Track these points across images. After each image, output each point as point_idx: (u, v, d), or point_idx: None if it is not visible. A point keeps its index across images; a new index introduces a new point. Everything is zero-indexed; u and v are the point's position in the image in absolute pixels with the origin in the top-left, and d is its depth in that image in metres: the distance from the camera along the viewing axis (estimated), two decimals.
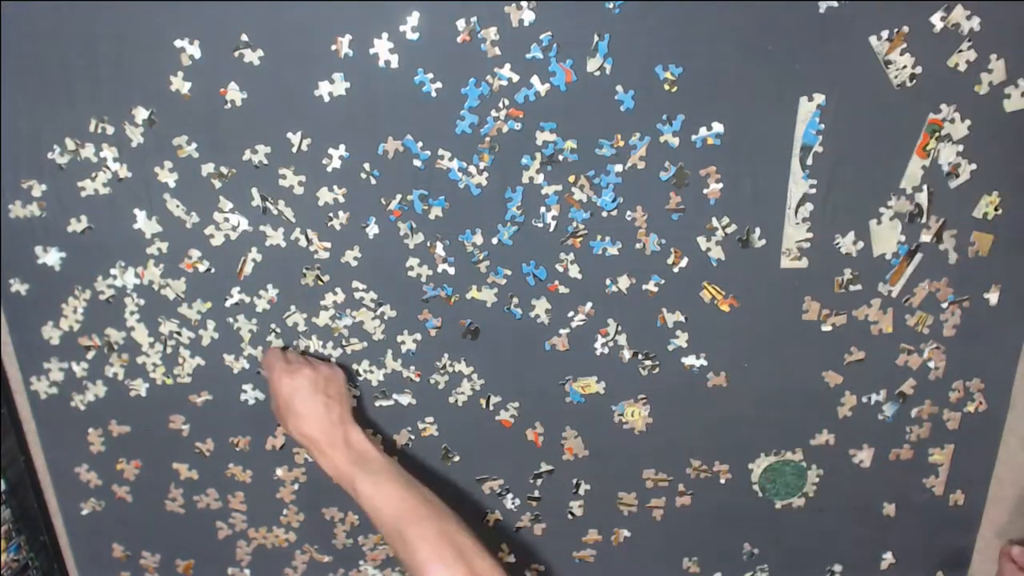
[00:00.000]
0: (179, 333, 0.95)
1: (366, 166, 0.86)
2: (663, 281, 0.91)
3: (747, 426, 0.99)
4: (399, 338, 0.95)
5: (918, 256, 0.90)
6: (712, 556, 1.08)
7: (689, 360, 0.95)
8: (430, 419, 1.00)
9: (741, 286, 0.91)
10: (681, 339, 0.94)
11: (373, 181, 0.86)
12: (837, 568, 1.08)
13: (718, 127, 0.83)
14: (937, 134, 0.84)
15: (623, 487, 1.03)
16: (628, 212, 0.88)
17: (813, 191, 0.87)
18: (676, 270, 0.90)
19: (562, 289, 0.92)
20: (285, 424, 0.86)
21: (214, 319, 0.94)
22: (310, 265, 0.91)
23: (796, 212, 0.88)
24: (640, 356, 0.95)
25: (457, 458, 1.02)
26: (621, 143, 0.84)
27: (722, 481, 1.02)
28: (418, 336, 0.95)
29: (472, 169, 0.86)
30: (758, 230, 0.88)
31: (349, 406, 0.88)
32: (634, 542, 1.07)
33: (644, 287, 0.91)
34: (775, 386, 0.96)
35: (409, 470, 0.99)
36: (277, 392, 0.86)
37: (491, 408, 0.99)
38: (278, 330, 0.95)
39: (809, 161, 0.86)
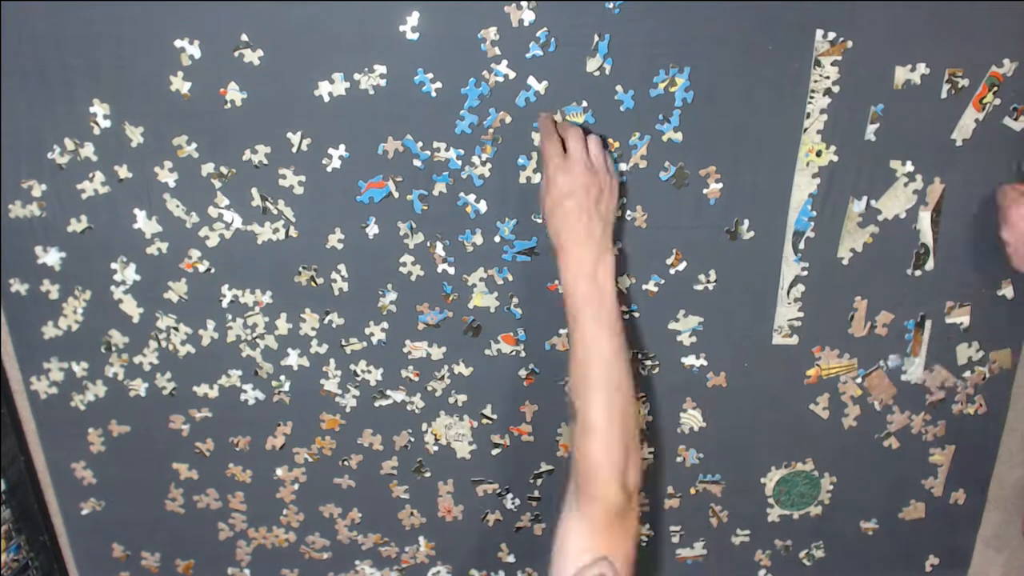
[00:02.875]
0: (177, 331, 0.95)
1: (409, 197, 0.87)
2: (663, 281, 0.91)
3: (756, 436, 0.99)
4: (398, 338, 0.95)
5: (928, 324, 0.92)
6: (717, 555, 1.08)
7: (689, 360, 0.95)
8: (430, 418, 1.00)
9: (741, 285, 0.91)
10: (681, 339, 0.94)
11: (419, 210, 0.88)
12: (837, 568, 1.08)
13: (717, 127, 0.84)
14: (996, 88, 0.82)
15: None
16: (628, 212, 0.88)
17: (805, 273, 0.89)
18: (673, 272, 0.90)
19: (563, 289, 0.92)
20: (547, 218, 0.80)
21: (214, 319, 0.94)
22: (308, 264, 0.91)
23: (788, 293, 0.90)
24: (640, 356, 0.95)
25: (428, 474, 1.02)
26: (616, 144, 0.85)
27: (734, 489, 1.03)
28: (417, 335, 0.95)
29: (476, 159, 0.86)
30: (747, 222, 0.88)
31: (611, 229, 0.81)
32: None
33: (644, 287, 0.91)
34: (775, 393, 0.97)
35: (408, 469, 0.99)
36: (548, 186, 0.79)
37: (491, 408, 0.99)
38: (278, 330, 0.95)
39: (801, 246, 0.88)
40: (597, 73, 0.81)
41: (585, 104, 0.83)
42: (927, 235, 0.89)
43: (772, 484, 1.02)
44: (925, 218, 0.88)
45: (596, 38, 0.80)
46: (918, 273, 0.91)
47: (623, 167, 0.85)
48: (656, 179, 0.86)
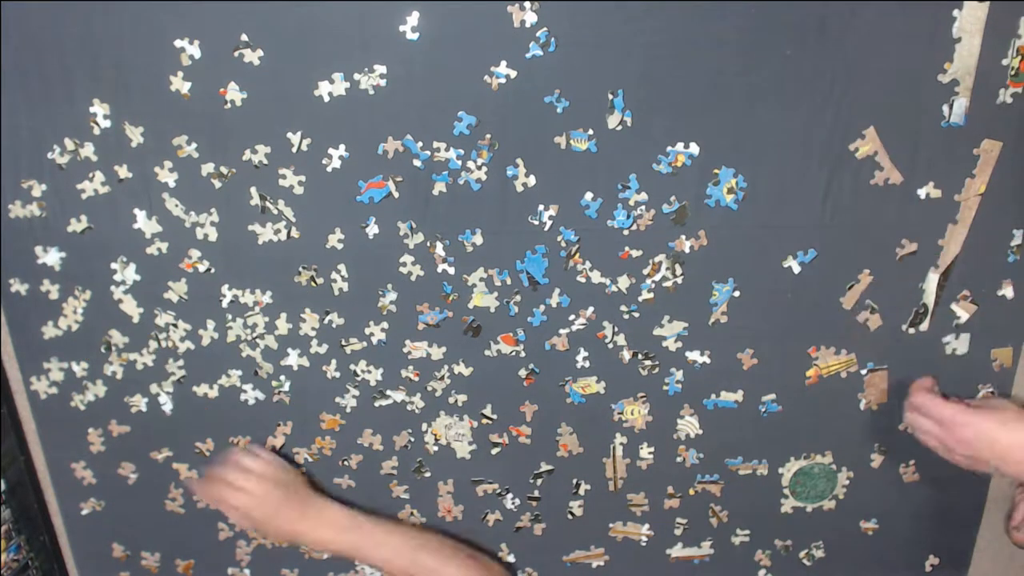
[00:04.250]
0: (177, 330, 0.95)
1: (390, 184, 0.87)
2: (666, 283, 0.91)
3: (774, 428, 0.99)
4: (398, 338, 0.95)
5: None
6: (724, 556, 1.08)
7: (693, 355, 0.95)
8: (430, 418, 1.00)
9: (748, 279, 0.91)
10: (681, 339, 0.94)
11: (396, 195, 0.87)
12: (837, 568, 1.08)
13: (719, 127, 0.84)
14: None
15: (632, 488, 1.03)
16: (632, 213, 0.88)
17: None
18: (650, 283, 0.91)
19: (562, 289, 0.92)
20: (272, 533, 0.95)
21: (214, 319, 0.94)
22: (308, 264, 0.91)
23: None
24: (640, 356, 0.95)
25: (428, 474, 1.02)
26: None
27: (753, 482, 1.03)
28: (417, 335, 0.95)
29: (471, 164, 0.86)
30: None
31: (297, 499, 0.94)
32: (643, 546, 1.07)
33: (643, 286, 0.91)
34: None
35: (408, 469, 0.99)
36: (240, 521, 0.93)
37: (491, 408, 0.99)
38: (278, 330, 0.95)
39: None
40: (597, 76, 0.81)
41: (591, 132, 0.84)
42: (930, 296, 0.89)
43: (789, 475, 1.02)
44: (933, 279, 0.88)
45: (597, 40, 0.80)
46: (912, 331, 0.92)
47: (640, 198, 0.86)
48: (655, 173, 0.86)
